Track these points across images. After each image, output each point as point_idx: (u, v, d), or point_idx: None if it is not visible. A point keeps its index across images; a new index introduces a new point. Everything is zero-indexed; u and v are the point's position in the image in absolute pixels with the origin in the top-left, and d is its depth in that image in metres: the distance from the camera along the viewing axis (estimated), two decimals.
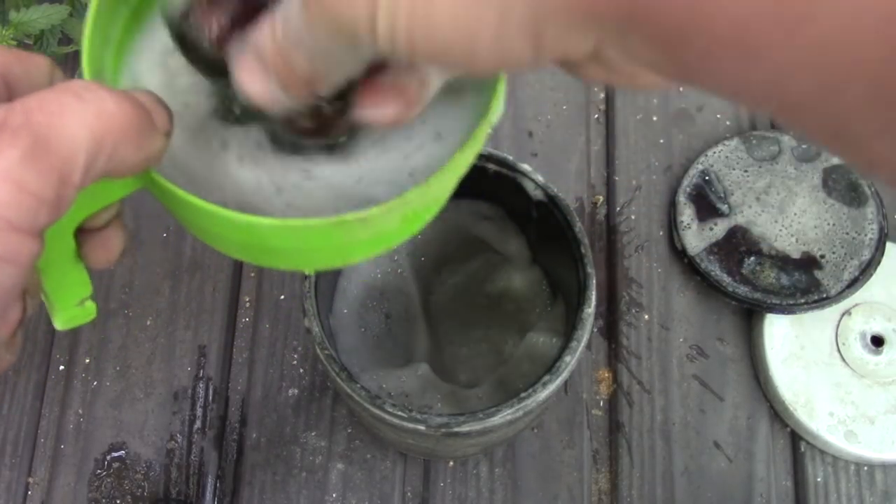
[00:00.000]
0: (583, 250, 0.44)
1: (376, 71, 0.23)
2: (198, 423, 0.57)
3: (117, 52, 0.26)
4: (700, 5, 0.16)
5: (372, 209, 0.23)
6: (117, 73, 0.26)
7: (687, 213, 0.59)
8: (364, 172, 0.26)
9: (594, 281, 0.44)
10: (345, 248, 0.25)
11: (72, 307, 0.25)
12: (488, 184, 0.48)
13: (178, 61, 0.25)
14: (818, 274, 0.57)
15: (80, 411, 0.57)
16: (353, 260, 0.27)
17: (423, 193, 0.24)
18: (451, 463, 0.55)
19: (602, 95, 0.65)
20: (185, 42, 0.23)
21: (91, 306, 0.25)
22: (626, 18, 0.17)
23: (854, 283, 0.56)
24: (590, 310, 0.43)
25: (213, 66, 0.23)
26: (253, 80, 0.21)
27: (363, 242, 0.25)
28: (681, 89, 0.64)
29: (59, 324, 0.25)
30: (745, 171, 0.60)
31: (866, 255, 0.57)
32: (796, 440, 0.56)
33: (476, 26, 0.18)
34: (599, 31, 0.18)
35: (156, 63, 0.27)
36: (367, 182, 0.26)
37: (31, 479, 0.56)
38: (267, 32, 0.21)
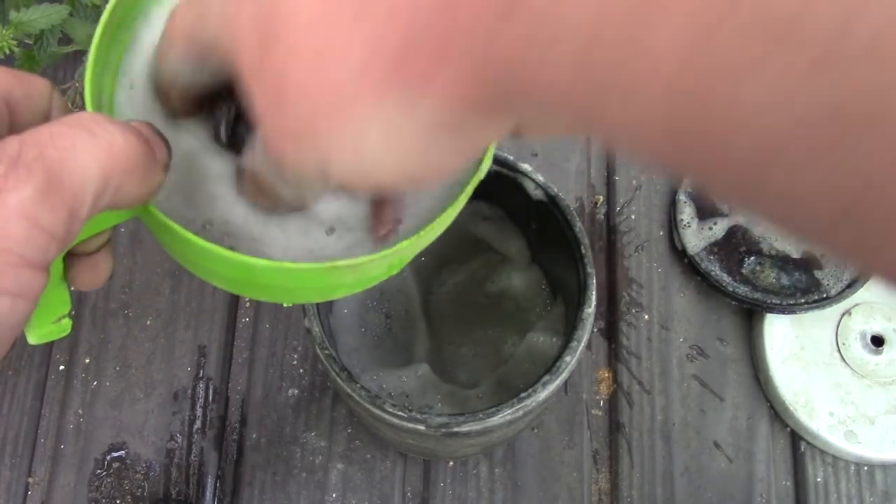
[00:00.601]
0: (583, 250, 0.44)
1: None
2: (198, 423, 0.56)
3: (115, 75, 0.26)
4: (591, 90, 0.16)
5: (362, 257, 0.24)
6: (114, 94, 0.26)
7: (687, 212, 0.59)
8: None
9: (594, 281, 0.44)
10: (330, 288, 0.26)
11: (48, 324, 0.25)
12: (488, 184, 0.48)
13: None
14: (818, 274, 0.57)
15: (80, 411, 0.57)
16: (334, 297, 0.28)
17: (413, 244, 0.25)
18: (451, 463, 0.55)
19: None
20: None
21: (66, 323, 0.25)
22: (520, 97, 0.18)
23: (854, 283, 0.56)
24: (590, 310, 0.43)
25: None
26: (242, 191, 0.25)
27: (348, 284, 0.26)
28: None
29: (33, 339, 0.25)
30: None
31: None
32: (796, 440, 0.56)
33: (411, 172, 0.20)
34: (512, 115, 0.20)
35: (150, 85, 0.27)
36: (346, 229, 0.27)
37: (31, 479, 0.56)
38: (250, 158, 0.24)
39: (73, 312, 0.58)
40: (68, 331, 0.26)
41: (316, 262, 0.23)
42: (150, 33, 0.27)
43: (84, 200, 0.19)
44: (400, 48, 0.18)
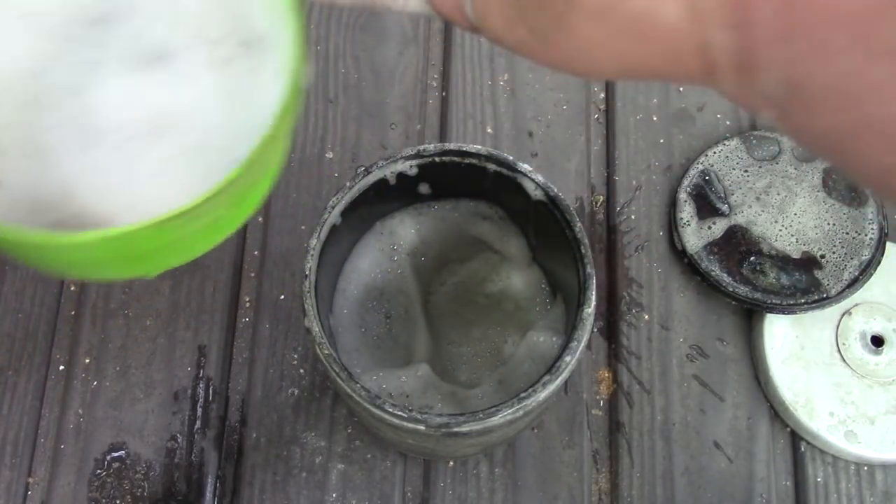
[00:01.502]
0: (583, 250, 0.44)
1: None
2: (198, 423, 0.57)
3: None
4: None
5: (196, 199, 0.22)
6: None
7: (687, 211, 0.59)
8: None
9: (594, 281, 0.44)
10: (182, 242, 0.25)
11: None
12: (488, 184, 0.48)
13: None
14: (818, 274, 0.57)
15: (80, 411, 0.57)
16: (198, 252, 0.26)
17: (243, 172, 0.23)
18: (451, 463, 0.55)
19: (602, 95, 0.65)
20: None
21: None
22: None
23: (854, 283, 0.56)
24: (590, 310, 0.43)
25: None
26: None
27: (199, 233, 0.25)
28: (680, 89, 0.64)
29: None
30: (745, 170, 0.60)
31: (866, 254, 0.57)
32: (796, 440, 0.56)
33: (633, 70, 0.24)
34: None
35: None
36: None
37: (31, 479, 0.56)
38: None
39: (73, 312, 0.58)
40: None
41: (147, 220, 0.22)
42: None
43: None
44: None
